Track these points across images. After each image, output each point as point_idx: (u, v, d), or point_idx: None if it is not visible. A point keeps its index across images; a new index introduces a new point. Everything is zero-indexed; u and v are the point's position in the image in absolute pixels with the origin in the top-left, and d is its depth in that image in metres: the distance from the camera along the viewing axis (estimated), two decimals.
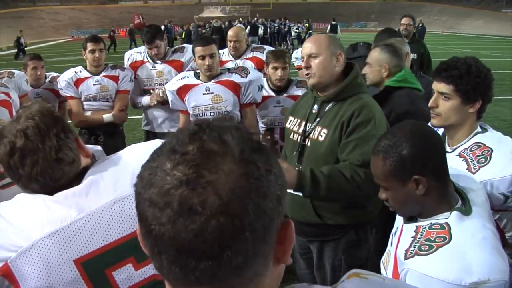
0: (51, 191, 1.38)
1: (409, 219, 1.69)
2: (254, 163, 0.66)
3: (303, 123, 2.66)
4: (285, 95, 3.82)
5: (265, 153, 0.69)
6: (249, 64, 4.53)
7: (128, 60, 4.56)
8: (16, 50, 26.60)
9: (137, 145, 1.58)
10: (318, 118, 2.58)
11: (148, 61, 4.48)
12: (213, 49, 3.63)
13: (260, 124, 3.98)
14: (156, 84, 4.45)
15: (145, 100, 4.45)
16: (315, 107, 2.63)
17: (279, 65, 3.73)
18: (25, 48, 27.10)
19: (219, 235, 0.62)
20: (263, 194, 0.65)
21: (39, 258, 1.29)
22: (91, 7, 60.45)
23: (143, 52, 4.54)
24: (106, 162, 1.47)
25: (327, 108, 2.57)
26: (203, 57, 3.60)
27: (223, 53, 4.91)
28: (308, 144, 2.61)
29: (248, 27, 24.04)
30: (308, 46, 2.58)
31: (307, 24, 28.68)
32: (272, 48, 4.69)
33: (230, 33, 4.80)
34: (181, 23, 33.07)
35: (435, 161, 1.58)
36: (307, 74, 2.58)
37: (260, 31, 23.81)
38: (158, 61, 4.45)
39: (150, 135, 4.55)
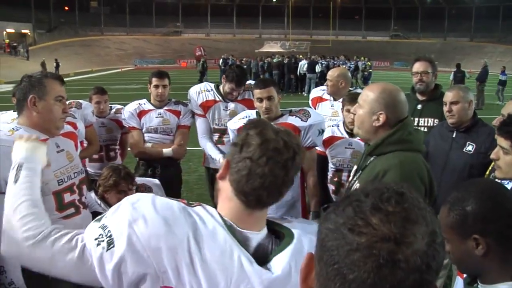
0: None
1: (469, 283, 1.59)
2: None
3: (353, 173, 2.64)
4: (358, 138, 3.60)
5: None
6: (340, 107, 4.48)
7: (197, 99, 4.40)
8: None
9: None
10: (360, 171, 2.51)
11: (221, 101, 4.38)
12: (271, 92, 3.51)
13: (330, 165, 3.94)
14: None
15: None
16: (363, 159, 2.58)
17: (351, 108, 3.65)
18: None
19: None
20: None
21: None
22: (155, 38, 62.92)
23: (211, 90, 4.42)
24: None
25: (368, 161, 2.48)
26: (260, 100, 3.51)
27: (323, 91, 4.87)
28: None
29: (306, 64, 23.87)
30: (362, 93, 2.52)
31: (369, 63, 28.48)
32: (354, 90, 4.51)
33: (329, 72, 4.82)
34: (241, 57, 33.71)
35: (501, 225, 1.47)
36: None
37: (318, 68, 23.53)
38: (228, 100, 4.37)
39: (209, 171, 4.63)
